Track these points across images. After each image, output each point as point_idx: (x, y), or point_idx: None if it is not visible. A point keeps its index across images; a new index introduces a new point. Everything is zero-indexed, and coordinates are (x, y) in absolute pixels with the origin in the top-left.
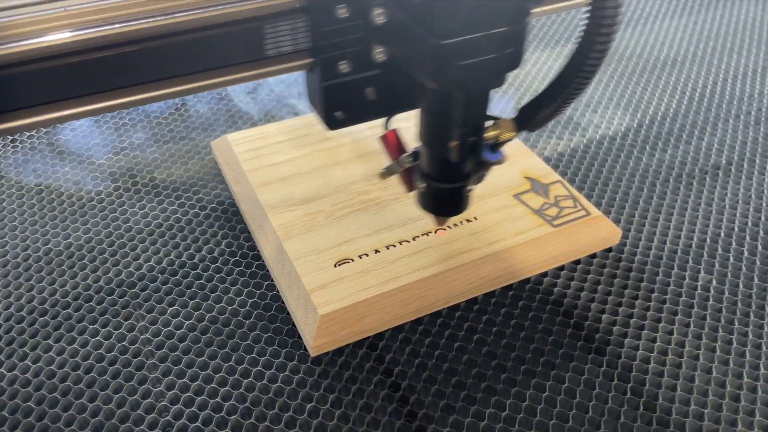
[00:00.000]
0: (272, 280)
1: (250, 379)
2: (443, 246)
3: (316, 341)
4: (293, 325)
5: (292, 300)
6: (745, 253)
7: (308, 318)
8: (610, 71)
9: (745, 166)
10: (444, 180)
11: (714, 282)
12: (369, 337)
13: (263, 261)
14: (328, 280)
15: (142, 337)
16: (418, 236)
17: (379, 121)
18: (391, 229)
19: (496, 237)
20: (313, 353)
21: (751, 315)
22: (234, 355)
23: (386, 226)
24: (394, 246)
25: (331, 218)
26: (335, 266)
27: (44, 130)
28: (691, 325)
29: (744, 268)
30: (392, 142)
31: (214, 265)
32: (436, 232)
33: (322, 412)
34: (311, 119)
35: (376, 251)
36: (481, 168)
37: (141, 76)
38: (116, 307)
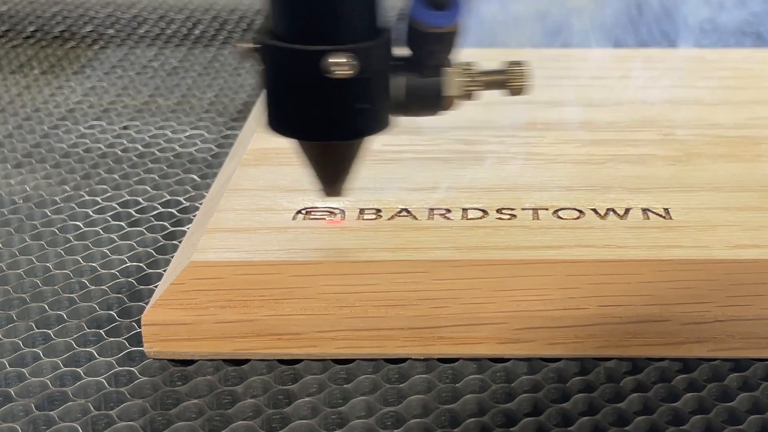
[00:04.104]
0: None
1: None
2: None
3: (151, 315)
4: None
5: (179, 254)
6: None
7: (172, 275)
8: None
9: None
10: (301, 36)
11: None
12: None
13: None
14: (258, 225)
15: None
16: (512, 210)
17: None
18: (471, 191)
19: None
20: (147, 348)
21: None
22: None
23: (461, 186)
24: (447, 213)
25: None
26: (295, 216)
27: None
28: None
29: None
30: None
31: None
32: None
33: None
34: None
35: (404, 211)
36: (426, 43)
37: None
38: None
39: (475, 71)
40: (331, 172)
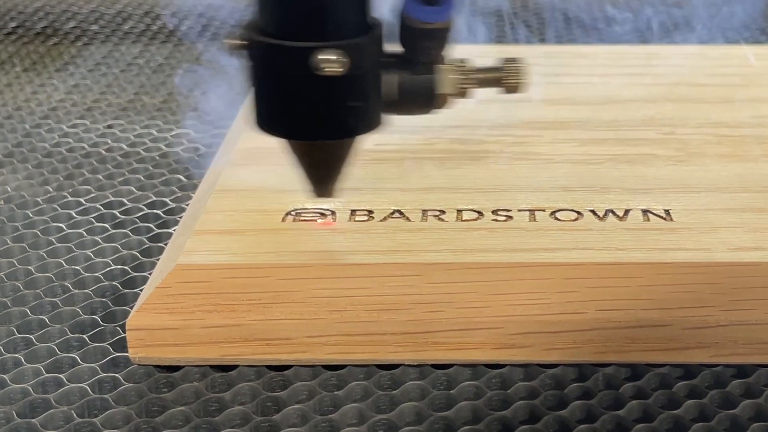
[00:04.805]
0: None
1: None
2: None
3: (136, 319)
4: None
5: (164, 257)
6: None
7: (157, 278)
8: None
9: None
10: (290, 32)
11: None
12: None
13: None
14: (246, 227)
15: None
16: (508, 211)
17: None
18: (465, 191)
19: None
20: (132, 353)
21: None
22: None
23: (456, 186)
24: (441, 214)
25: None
26: (284, 218)
27: None
28: None
29: None
30: None
31: None
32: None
33: None
34: None
35: (397, 212)
36: (418, 39)
37: None
38: None
39: (470, 68)
40: (321, 173)
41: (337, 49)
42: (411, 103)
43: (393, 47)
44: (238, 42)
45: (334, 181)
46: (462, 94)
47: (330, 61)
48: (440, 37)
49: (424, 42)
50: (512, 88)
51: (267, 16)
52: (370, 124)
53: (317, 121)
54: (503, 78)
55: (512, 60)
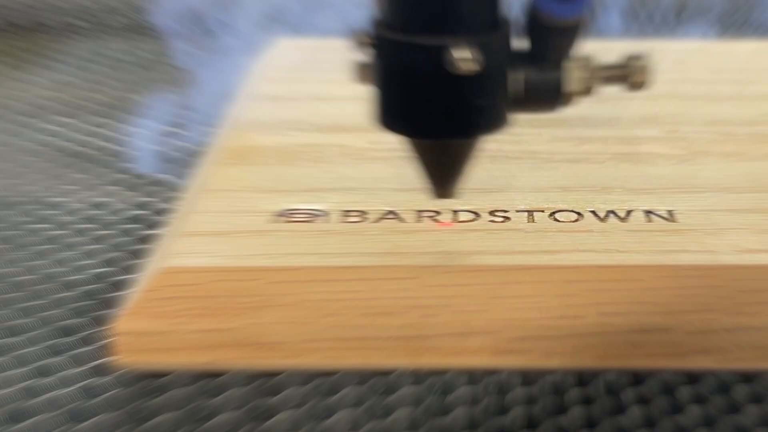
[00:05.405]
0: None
1: None
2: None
3: (124, 324)
4: None
5: (153, 259)
6: None
7: (145, 281)
8: None
9: None
10: (423, 29)
11: None
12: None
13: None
14: (236, 228)
15: None
16: (505, 212)
17: None
18: (461, 191)
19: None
20: (119, 358)
21: None
22: None
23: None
24: (436, 215)
25: (348, 157)
26: (275, 219)
27: None
28: None
29: None
30: None
31: None
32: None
33: None
34: None
35: (391, 213)
36: (549, 36)
37: None
38: None
39: (595, 65)
40: (444, 173)
41: (472, 46)
42: (537, 101)
43: (518, 43)
44: (366, 39)
45: (455, 182)
46: (587, 91)
47: (466, 59)
48: (572, 33)
49: (555, 39)
50: (637, 86)
51: (399, 13)
52: (496, 122)
53: (445, 120)
54: (629, 75)
55: (637, 57)
